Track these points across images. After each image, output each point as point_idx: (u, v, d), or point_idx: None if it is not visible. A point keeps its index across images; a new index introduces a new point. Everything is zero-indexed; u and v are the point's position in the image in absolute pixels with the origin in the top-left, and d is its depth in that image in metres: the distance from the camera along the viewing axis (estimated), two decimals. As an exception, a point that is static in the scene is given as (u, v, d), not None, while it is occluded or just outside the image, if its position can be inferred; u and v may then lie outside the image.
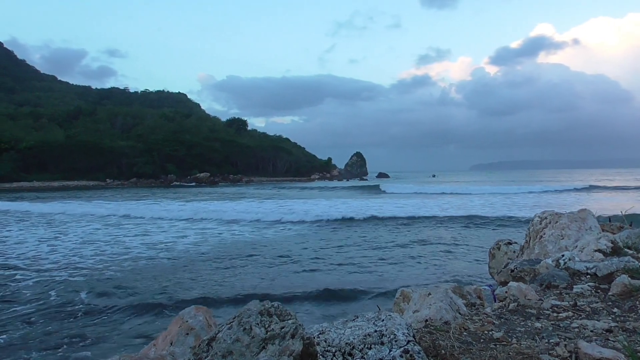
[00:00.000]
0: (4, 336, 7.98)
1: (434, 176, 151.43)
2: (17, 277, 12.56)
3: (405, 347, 2.29)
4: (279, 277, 12.19)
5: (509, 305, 3.55)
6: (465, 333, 2.92)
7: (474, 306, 3.80)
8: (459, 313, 3.31)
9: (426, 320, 3.08)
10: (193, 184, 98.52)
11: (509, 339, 2.82)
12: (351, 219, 24.49)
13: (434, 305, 3.20)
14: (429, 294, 3.40)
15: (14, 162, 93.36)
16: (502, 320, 3.25)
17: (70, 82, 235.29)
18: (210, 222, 24.55)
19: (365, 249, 16.08)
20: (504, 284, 4.54)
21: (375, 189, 61.12)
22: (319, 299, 9.89)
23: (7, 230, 22.67)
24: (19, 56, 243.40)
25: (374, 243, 17.31)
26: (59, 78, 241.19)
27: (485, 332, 2.96)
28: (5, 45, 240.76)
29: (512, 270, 4.93)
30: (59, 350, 7.39)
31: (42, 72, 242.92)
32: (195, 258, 15.26)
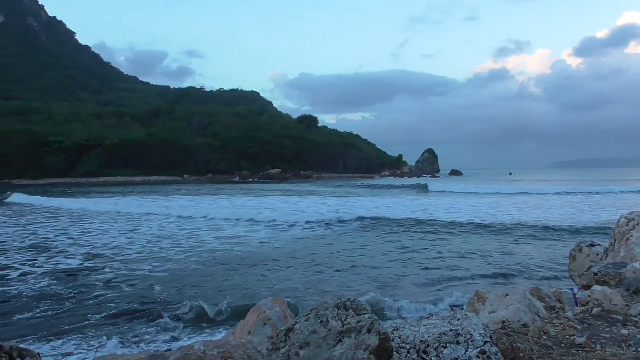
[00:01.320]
0: (97, 315, 8.56)
1: (510, 174, 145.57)
2: (106, 268, 13.41)
3: (482, 347, 2.26)
4: (351, 274, 12.24)
5: (592, 310, 3.39)
6: (544, 337, 2.83)
7: (554, 309, 3.66)
8: (538, 316, 3.21)
9: (503, 322, 3.01)
10: (268, 180, 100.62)
11: (593, 345, 2.71)
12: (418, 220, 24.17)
13: (512, 307, 3.12)
14: (506, 294, 3.31)
15: (100, 159, 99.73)
16: (584, 325, 3.12)
17: (151, 83, 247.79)
18: (279, 217, 24.91)
19: (426, 252, 15.82)
20: (586, 287, 4.34)
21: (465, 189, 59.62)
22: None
23: (90, 223, 24.27)
24: (105, 59, 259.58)
25: (437, 246, 17.00)
26: (140, 79, 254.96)
27: (567, 336, 2.86)
28: (92, 49, 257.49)
29: (596, 274, 4.69)
30: (145, 332, 7.86)
31: (125, 73, 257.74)
32: (269, 252, 15.63)
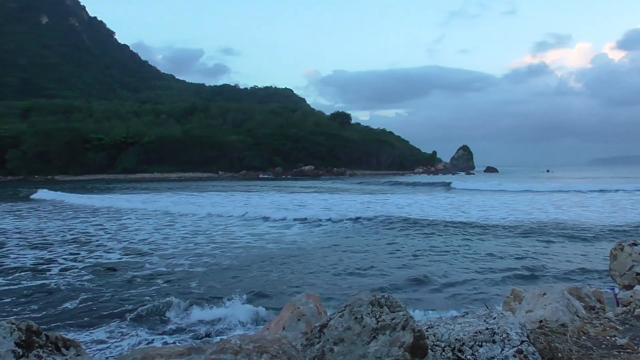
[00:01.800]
0: (135, 307, 8.79)
1: (548, 171, 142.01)
2: (144, 263, 13.75)
3: (519, 347, 2.23)
4: (380, 272, 12.20)
5: (634, 311, 3.30)
6: (584, 337, 2.77)
7: (594, 310, 3.57)
8: (577, 316, 3.13)
9: (540, 321, 2.96)
10: (301, 176, 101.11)
11: (635, 347, 2.63)
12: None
13: (549, 306, 3.06)
14: (544, 293, 3.25)
15: (138, 156, 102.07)
16: (626, 326, 3.03)
17: (187, 80, 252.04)
18: (311, 214, 24.97)
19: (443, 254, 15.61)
20: (628, 287, 4.22)
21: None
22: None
23: (126, 219, 24.89)
24: (143, 58, 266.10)
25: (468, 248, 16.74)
26: (177, 77, 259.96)
27: (607, 337, 2.79)
28: (131, 48, 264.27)
29: (638, 274, 4.56)
30: (181, 325, 8.04)
31: (162, 71, 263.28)
32: (301, 248, 15.73)
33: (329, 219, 22.85)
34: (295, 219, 23.26)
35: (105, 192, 48.76)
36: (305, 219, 23.32)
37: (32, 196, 42.47)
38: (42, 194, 43.27)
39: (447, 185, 58.61)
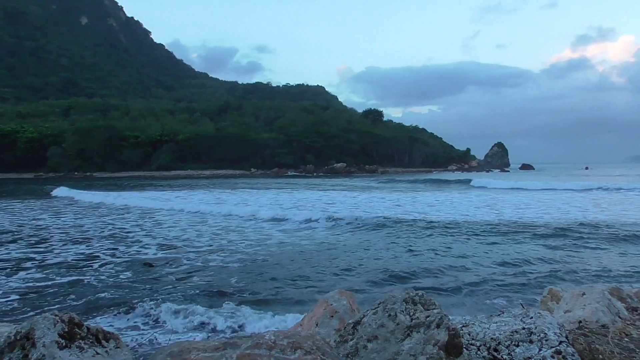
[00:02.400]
0: (171, 300, 8.97)
1: (586, 168, 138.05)
2: (180, 258, 14.01)
3: (557, 347, 2.18)
4: (411, 267, 12.10)
5: (679, 313, 3.18)
6: (626, 339, 2.69)
7: (636, 311, 3.46)
8: (619, 317, 3.04)
9: (580, 322, 2.88)
10: (333, 174, 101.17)
11: (680, 350, 2.54)
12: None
13: (589, 306, 2.98)
14: (583, 293, 3.17)
15: (173, 153, 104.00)
16: (671, 328, 2.93)
17: (220, 79, 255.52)
18: (341, 212, 24.99)
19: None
20: (673, 289, 4.06)
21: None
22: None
23: (159, 215, 25.40)
24: (178, 56, 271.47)
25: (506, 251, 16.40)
26: (211, 75, 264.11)
27: (651, 340, 2.70)
28: (166, 47, 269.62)
29: (684, 275, 4.39)
30: (214, 317, 8.16)
31: (196, 70, 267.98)
32: (332, 245, 15.75)
33: (358, 217, 22.76)
34: (325, 217, 23.24)
35: (136, 190, 49.87)
36: (335, 217, 23.30)
37: (52, 193, 44.01)
38: (61, 191, 44.75)
39: (471, 183, 57.34)
